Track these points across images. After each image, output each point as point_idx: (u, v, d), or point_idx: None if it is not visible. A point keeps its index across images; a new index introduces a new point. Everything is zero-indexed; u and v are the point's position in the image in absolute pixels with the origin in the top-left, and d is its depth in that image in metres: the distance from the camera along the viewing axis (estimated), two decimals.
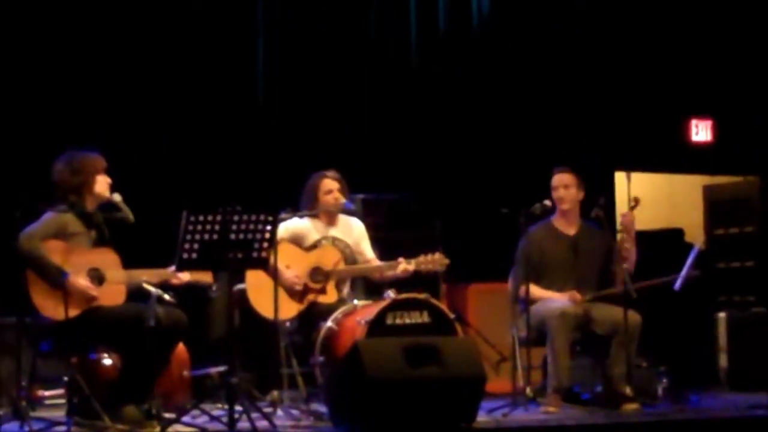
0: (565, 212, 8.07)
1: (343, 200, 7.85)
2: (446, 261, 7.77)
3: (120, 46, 9.25)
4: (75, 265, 6.61)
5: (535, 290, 7.88)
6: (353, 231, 7.99)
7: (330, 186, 7.84)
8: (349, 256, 7.89)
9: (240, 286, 7.50)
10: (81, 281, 6.60)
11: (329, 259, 7.76)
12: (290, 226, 7.77)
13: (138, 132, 9.17)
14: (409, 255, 7.74)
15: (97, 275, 6.68)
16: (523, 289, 7.80)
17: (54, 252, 6.59)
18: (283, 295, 7.37)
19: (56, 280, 6.53)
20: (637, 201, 8.02)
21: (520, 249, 7.92)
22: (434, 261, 7.74)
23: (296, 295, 7.64)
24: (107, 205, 6.95)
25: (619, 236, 8.05)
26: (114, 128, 8.93)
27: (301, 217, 7.84)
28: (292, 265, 7.62)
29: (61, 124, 8.86)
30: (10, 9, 8.96)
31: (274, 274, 7.07)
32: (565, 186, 8.02)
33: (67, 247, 6.64)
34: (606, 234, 8.04)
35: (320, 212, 7.87)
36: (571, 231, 8.10)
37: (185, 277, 6.88)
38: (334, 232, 7.91)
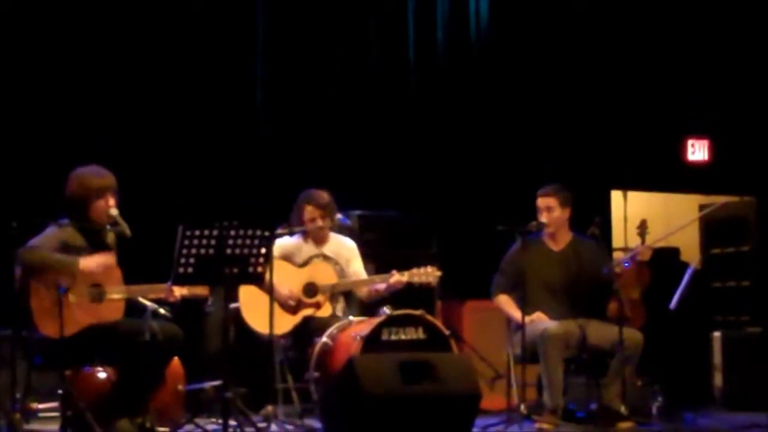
0: (551, 233, 8.08)
1: (320, 224, 7.81)
2: (438, 273, 7.76)
3: (121, 62, 9.25)
4: (78, 279, 6.61)
5: (506, 303, 7.97)
6: (345, 250, 7.98)
7: (312, 214, 7.81)
8: (340, 274, 7.88)
9: (234, 305, 7.49)
10: (93, 260, 6.61)
11: (322, 274, 7.77)
12: (281, 244, 7.77)
13: (137, 146, 9.17)
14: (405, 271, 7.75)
15: (98, 291, 6.68)
16: (501, 298, 7.98)
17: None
18: (277, 310, 7.37)
19: (71, 269, 6.54)
20: (644, 224, 7.97)
21: (506, 258, 8.01)
22: (427, 273, 7.73)
23: (290, 310, 7.65)
24: None
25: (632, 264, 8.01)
26: (113, 142, 8.92)
27: (292, 234, 7.84)
28: (285, 282, 7.61)
29: (62, 138, 8.86)
30: (14, 34, 8.98)
31: (269, 290, 7.06)
32: (547, 209, 8.01)
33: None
34: (599, 248, 8.03)
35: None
36: (559, 247, 8.10)
37: (183, 291, 6.87)
38: (324, 250, 7.91)
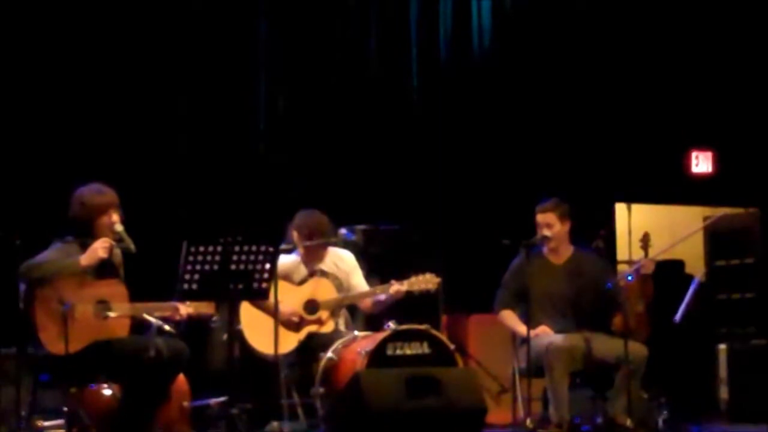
0: (552, 247, 8.08)
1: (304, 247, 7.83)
2: (437, 279, 7.72)
3: (125, 79, 9.26)
4: (83, 296, 6.61)
5: (510, 318, 7.94)
6: (343, 264, 7.95)
7: (299, 242, 7.80)
8: (339, 288, 7.86)
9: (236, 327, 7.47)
10: (91, 252, 6.61)
11: (323, 290, 7.74)
12: (279, 262, 7.72)
13: (140, 163, 9.17)
14: None
15: (104, 308, 6.69)
16: (505, 314, 7.95)
17: (63, 282, 6.59)
18: (280, 329, 7.35)
19: (73, 269, 6.56)
20: (647, 237, 7.97)
21: (509, 273, 8.00)
22: (426, 281, 7.70)
23: (293, 328, 7.63)
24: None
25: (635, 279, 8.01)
26: (118, 159, 8.93)
27: (290, 252, 7.82)
28: (286, 300, 7.55)
29: (65, 155, 8.87)
30: (19, 49, 9.00)
31: (272, 306, 7.04)
32: (547, 225, 7.99)
33: (75, 278, 6.63)
34: (601, 260, 8.04)
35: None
36: (560, 261, 8.10)
37: (189, 309, 6.86)
38: (323, 265, 7.88)
